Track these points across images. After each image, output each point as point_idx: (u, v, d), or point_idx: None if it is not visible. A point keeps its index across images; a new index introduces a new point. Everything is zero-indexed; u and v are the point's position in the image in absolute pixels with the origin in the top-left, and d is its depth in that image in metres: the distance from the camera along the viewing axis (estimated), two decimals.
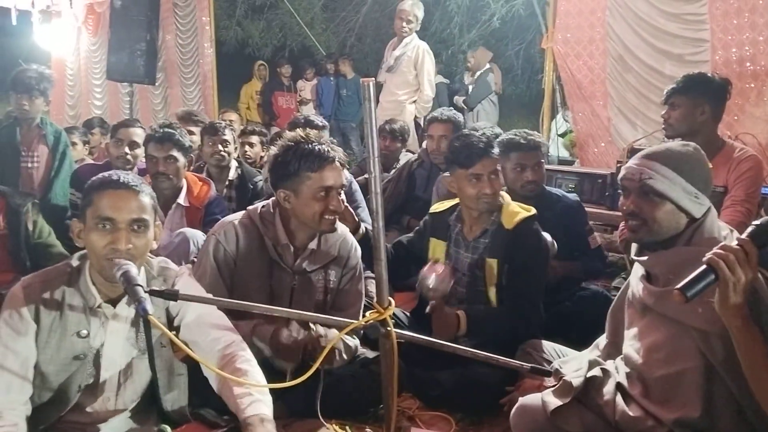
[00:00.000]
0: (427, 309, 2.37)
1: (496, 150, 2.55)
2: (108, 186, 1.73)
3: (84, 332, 1.74)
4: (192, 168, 3.59)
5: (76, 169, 3.99)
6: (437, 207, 2.80)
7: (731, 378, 1.63)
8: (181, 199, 3.23)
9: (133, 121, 3.90)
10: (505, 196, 2.64)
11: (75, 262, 1.79)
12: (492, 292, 2.55)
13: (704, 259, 1.45)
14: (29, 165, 3.97)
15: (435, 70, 5.59)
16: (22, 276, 3.14)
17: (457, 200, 2.71)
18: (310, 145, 2.20)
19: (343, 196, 2.27)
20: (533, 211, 2.57)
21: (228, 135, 3.88)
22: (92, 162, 4.34)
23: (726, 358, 1.61)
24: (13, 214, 3.18)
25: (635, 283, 1.87)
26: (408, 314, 2.79)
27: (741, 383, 1.61)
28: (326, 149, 2.21)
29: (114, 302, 1.77)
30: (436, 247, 2.70)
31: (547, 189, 3.17)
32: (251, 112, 8.81)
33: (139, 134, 3.71)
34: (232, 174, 3.92)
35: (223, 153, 3.84)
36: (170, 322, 1.85)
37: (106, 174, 1.78)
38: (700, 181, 1.75)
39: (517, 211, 2.55)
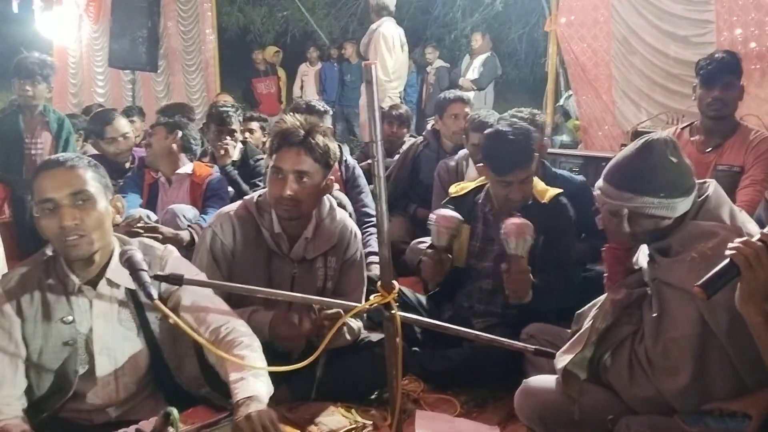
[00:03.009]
0: (503, 266, 2.37)
1: (530, 157, 2.53)
2: (42, 169, 1.74)
3: (69, 318, 1.74)
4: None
5: None
6: (456, 190, 2.80)
7: (733, 349, 1.64)
8: (182, 172, 3.34)
9: (111, 113, 3.88)
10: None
11: (49, 251, 1.78)
12: None
13: (728, 252, 1.44)
14: (33, 152, 3.97)
15: (393, 55, 5.54)
16: None
17: (480, 180, 2.74)
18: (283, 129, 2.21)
19: (307, 182, 2.17)
20: (560, 189, 2.68)
21: (235, 124, 3.90)
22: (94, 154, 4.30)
23: (729, 328, 1.62)
24: (18, 203, 3.20)
25: (642, 264, 1.87)
26: (418, 295, 2.81)
27: (744, 355, 1.61)
28: (291, 132, 2.17)
29: (94, 284, 1.77)
30: (461, 231, 2.68)
31: (552, 170, 3.19)
32: None
33: (124, 124, 3.79)
34: (236, 156, 3.93)
35: (228, 144, 3.81)
36: (162, 303, 1.83)
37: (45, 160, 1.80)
38: (664, 187, 1.72)
39: (548, 188, 2.66)
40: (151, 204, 3.33)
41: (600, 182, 1.83)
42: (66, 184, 1.69)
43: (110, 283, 1.78)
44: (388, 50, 5.50)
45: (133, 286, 1.75)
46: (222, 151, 3.71)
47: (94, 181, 1.74)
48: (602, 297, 1.94)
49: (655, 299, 1.78)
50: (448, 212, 2.55)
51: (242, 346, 1.75)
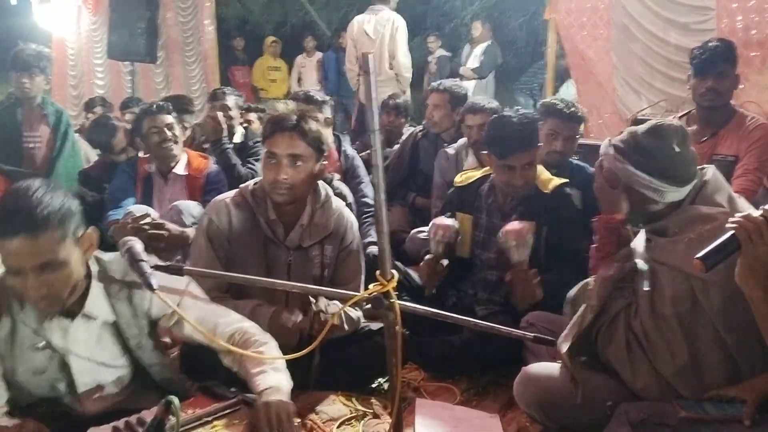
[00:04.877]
0: (507, 276, 2.39)
1: (533, 142, 2.53)
2: (6, 232, 1.51)
3: (40, 344, 1.69)
4: (187, 145, 3.65)
5: (87, 168, 3.97)
6: (461, 180, 2.80)
7: (726, 330, 1.65)
8: (180, 170, 3.26)
9: (112, 127, 3.78)
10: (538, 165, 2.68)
11: None
12: None
13: (729, 226, 1.44)
14: (31, 145, 3.96)
15: (355, 44, 5.70)
16: None
17: (485, 171, 2.74)
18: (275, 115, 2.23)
19: (301, 166, 2.20)
20: (564, 179, 2.67)
21: (229, 101, 3.92)
22: (92, 165, 4.17)
23: (721, 308, 1.63)
24: None
25: (639, 246, 1.88)
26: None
27: (737, 338, 1.62)
28: (284, 117, 2.20)
29: (71, 314, 1.71)
30: (463, 221, 2.71)
31: (570, 160, 3.17)
32: (273, 87, 8.82)
33: (121, 137, 3.78)
34: (238, 138, 3.95)
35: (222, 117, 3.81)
36: (152, 325, 1.85)
37: (5, 208, 1.54)
38: (658, 170, 1.74)
39: (551, 178, 2.64)
40: (146, 199, 3.25)
41: (607, 148, 1.86)
42: (32, 254, 1.52)
43: (87, 316, 1.73)
44: (351, 39, 5.73)
45: (111, 318, 1.74)
46: (209, 125, 3.67)
47: (64, 239, 1.56)
48: (590, 279, 1.95)
49: (648, 278, 1.79)
50: (445, 222, 2.56)
51: (258, 344, 1.78)
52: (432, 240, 2.55)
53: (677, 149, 1.75)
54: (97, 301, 1.72)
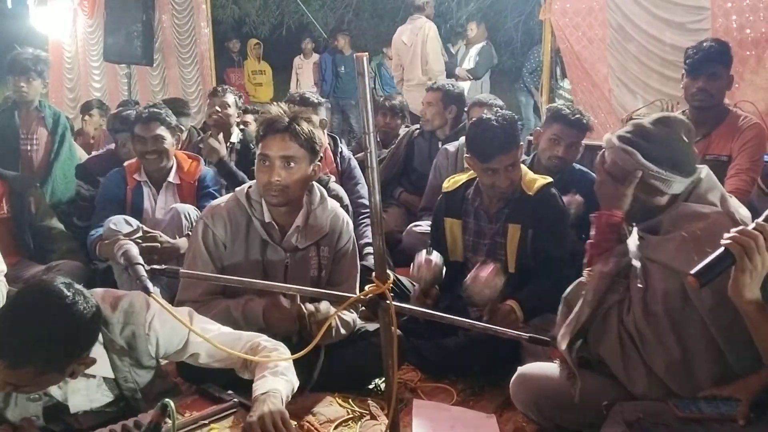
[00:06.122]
0: (484, 317, 2.42)
1: (515, 142, 2.54)
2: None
3: (35, 395, 1.74)
4: (183, 148, 3.66)
5: (83, 162, 3.96)
6: (449, 185, 2.80)
7: (717, 329, 1.66)
8: (171, 177, 3.20)
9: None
10: (522, 166, 2.69)
11: None
12: (511, 259, 2.60)
13: (723, 242, 1.44)
14: (29, 148, 3.96)
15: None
16: (26, 259, 3.18)
17: (469, 174, 2.74)
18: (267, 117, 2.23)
19: (294, 168, 2.20)
20: (549, 179, 2.65)
21: (228, 98, 3.94)
22: (98, 153, 4.16)
23: (713, 306, 1.64)
24: (16, 199, 3.21)
25: (632, 245, 1.89)
26: (415, 285, 2.81)
27: (729, 337, 1.63)
28: (276, 119, 2.19)
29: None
30: (453, 226, 2.72)
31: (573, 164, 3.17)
32: (259, 90, 8.84)
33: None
34: (234, 138, 3.94)
35: (220, 114, 3.85)
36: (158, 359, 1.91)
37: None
38: (668, 160, 1.75)
39: (536, 178, 2.64)
40: (136, 210, 3.14)
41: (611, 140, 1.84)
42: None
43: (87, 375, 1.78)
44: (393, 48, 6.45)
45: (111, 375, 1.79)
46: (216, 117, 3.75)
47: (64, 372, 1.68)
48: (583, 277, 1.95)
49: (641, 275, 1.79)
50: (427, 259, 2.55)
51: (266, 351, 1.85)
52: (415, 277, 2.56)
53: (685, 139, 1.77)
54: (99, 363, 1.76)
